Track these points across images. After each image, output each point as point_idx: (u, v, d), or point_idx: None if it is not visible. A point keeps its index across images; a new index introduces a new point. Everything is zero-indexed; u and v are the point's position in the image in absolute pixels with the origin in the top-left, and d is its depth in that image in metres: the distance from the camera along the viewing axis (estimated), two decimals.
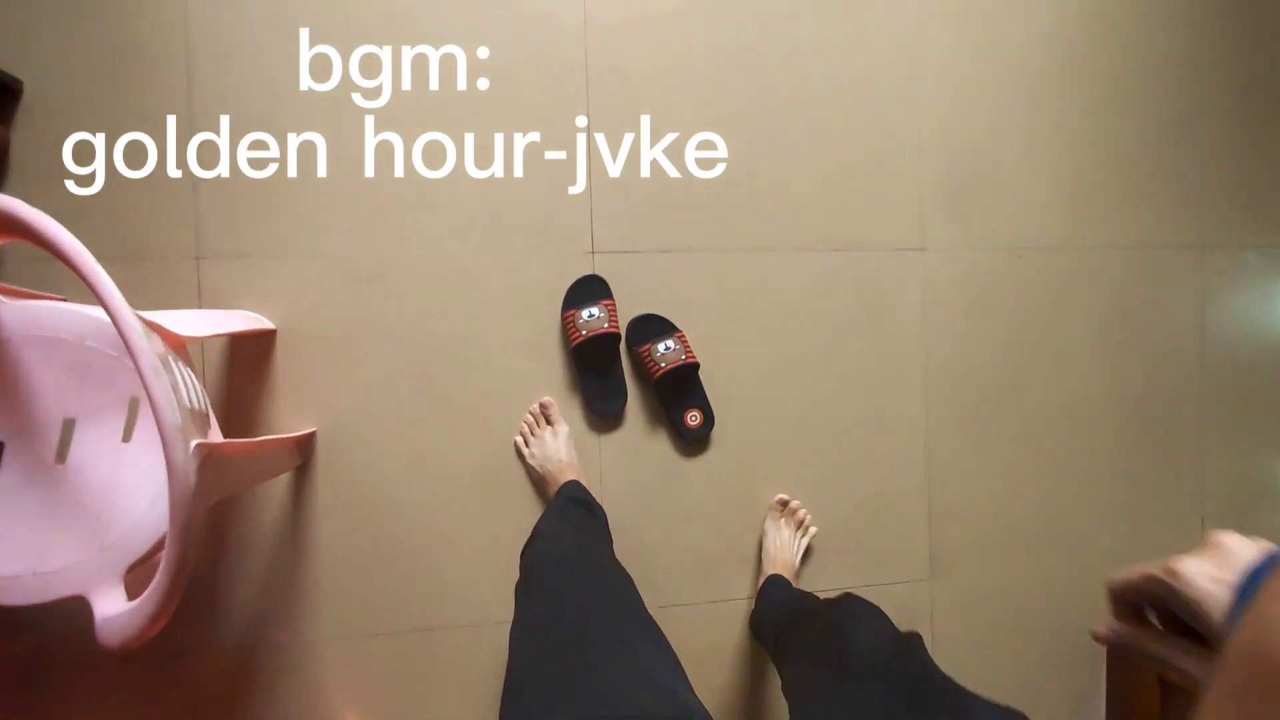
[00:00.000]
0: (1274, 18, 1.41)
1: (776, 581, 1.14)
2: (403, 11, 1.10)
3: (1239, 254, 1.40)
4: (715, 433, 1.20)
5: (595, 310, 1.10)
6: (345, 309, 1.09)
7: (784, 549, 1.19)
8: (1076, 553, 1.33)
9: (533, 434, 1.13)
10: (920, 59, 1.26)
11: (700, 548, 1.21)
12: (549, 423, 1.13)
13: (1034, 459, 1.32)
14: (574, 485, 1.07)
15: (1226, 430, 1.40)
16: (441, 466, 1.12)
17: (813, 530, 1.22)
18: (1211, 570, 0.30)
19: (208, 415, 0.76)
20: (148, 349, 0.51)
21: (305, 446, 1.07)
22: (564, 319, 1.13)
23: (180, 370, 0.68)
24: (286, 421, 1.08)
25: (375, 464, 1.11)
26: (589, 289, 1.14)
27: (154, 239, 1.04)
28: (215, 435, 0.81)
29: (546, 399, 1.14)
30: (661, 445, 1.19)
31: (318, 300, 1.08)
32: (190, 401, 0.68)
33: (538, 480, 1.13)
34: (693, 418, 1.18)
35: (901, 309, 1.27)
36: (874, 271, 1.25)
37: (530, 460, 1.12)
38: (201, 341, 0.91)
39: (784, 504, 1.21)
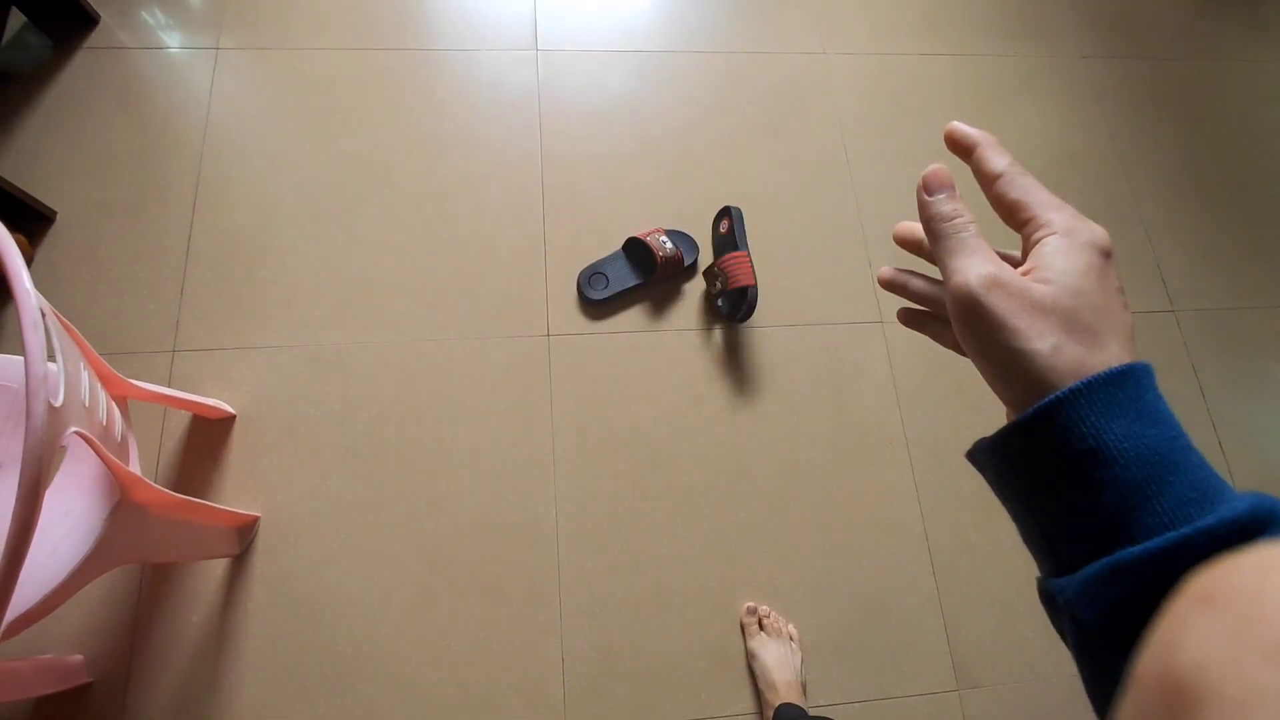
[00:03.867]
0: (1177, 116, 1.54)
1: (790, 714, 0.96)
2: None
3: (1213, 315, 1.37)
4: (687, 525, 1.12)
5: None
6: (305, 396, 1.12)
7: (782, 666, 1.03)
8: None
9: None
10: (843, 158, 1.39)
11: (678, 655, 1.05)
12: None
13: None
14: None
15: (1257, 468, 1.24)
16: (389, 562, 1.05)
17: (795, 632, 1.07)
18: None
19: (126, 447, 0.76)
20: (33, 302, 0.53)
21: (245, 533, 1.02)
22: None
23: (94, 386, 0.69)
24: (234, 505, 1.05)
25: (318, 558, 1.04)
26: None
27: (137, 335, 1.12)
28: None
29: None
30: (625, 530, 1.11)
31: (279, 388, 1.12)
32: (101, 416, 0.68)
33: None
34: (724, 226, 1.21)
35: (870, 382, 1.24)
36: (834, 345, 1.25)
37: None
38: (146, 400, 0.93)
39: (753, 611, 1.07)
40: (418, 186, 1.27)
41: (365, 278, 1.20)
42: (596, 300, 1.21)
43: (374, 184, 1.27)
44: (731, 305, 1.19)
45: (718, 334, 1.24)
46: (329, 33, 1.38)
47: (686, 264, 1.25)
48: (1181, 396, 1.30)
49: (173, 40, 1.34)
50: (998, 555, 1.16)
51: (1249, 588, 0.17)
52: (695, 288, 1.26)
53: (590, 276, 1.23)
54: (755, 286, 1.16)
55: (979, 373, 0.29)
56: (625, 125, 1.37)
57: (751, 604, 1.08)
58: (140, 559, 0.93)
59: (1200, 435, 1.27)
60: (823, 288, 1.29)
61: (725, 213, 1.25)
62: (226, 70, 1.32)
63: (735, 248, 1.19)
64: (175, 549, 0.90)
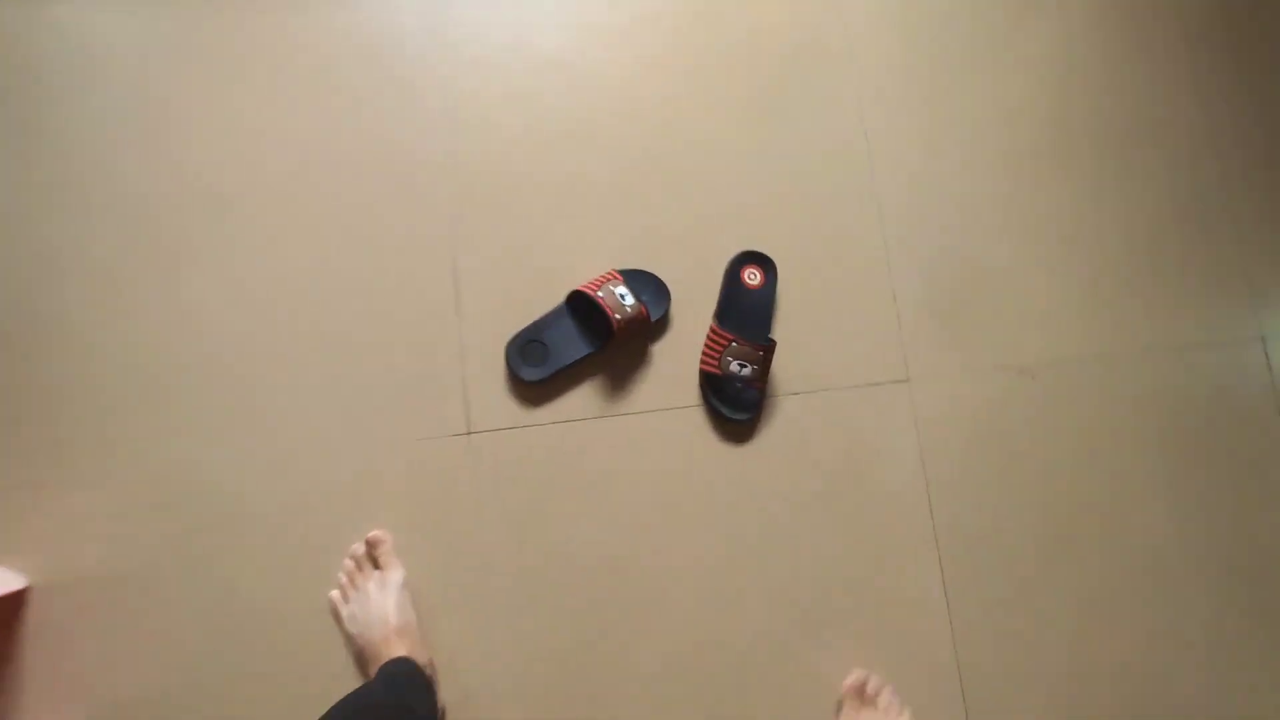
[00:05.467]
0: None
1: None
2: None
3: None
4: (663, 679, 0.87)
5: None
6: (128, 546, 0.81)
7: None
8: None
9: (353, 586, 0.81)
10: (863, 149, 1.04)
11: None
12: (376, 567, 0.82)
13: (1099, 643, 0.96)
14: (403, 663, 0.74)
15: None
16: None
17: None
18: None
19: None
20: None
21: None
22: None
23: None
24: (41, 712, 0.77)
25: None
26: None
27: None
28: None
29: (376, 534, 0.83)
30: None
31: (92, 539, 0.80)
32: None
33: (356, 654, 0.80)
34: (751, 275, 0.95)
35: (892, 457, 0.97)
36: (850, 414, 0.97)
37: (347, 624, 0.80)
38: None
39: (860, 690, 0.86)
40: (275, 219, 0.90)
41: (205, 365, 0.86)
42: (533, 380, 0.89)
43: (208, 218, 0.89)
44: (742, 404, 0.92)
45: (697, 412, 0.93)
46: None
47: (654, 319, 0.92)
48: (1272, 451, 1.05)
49: None
50: (1038, 675, 0.94)
51: None
52: (665, 351, 0.94)
53: (523, 346, 0.90)
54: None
55: None
56: (560, 108, 0.98)
57: (861, 675, 0.87)
58: None
59: None
60: (834, 338, 0.98)
61: (759, 261, 0.96)
62: None
63: (767, 330, 0.95)
64: None
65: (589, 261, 0.94)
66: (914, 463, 0.97)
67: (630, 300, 0.88)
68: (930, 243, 1.03)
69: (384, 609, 0.78)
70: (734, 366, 0.90)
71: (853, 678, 0.87)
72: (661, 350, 0.94)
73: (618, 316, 0.86)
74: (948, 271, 1.03)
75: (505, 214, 0.94)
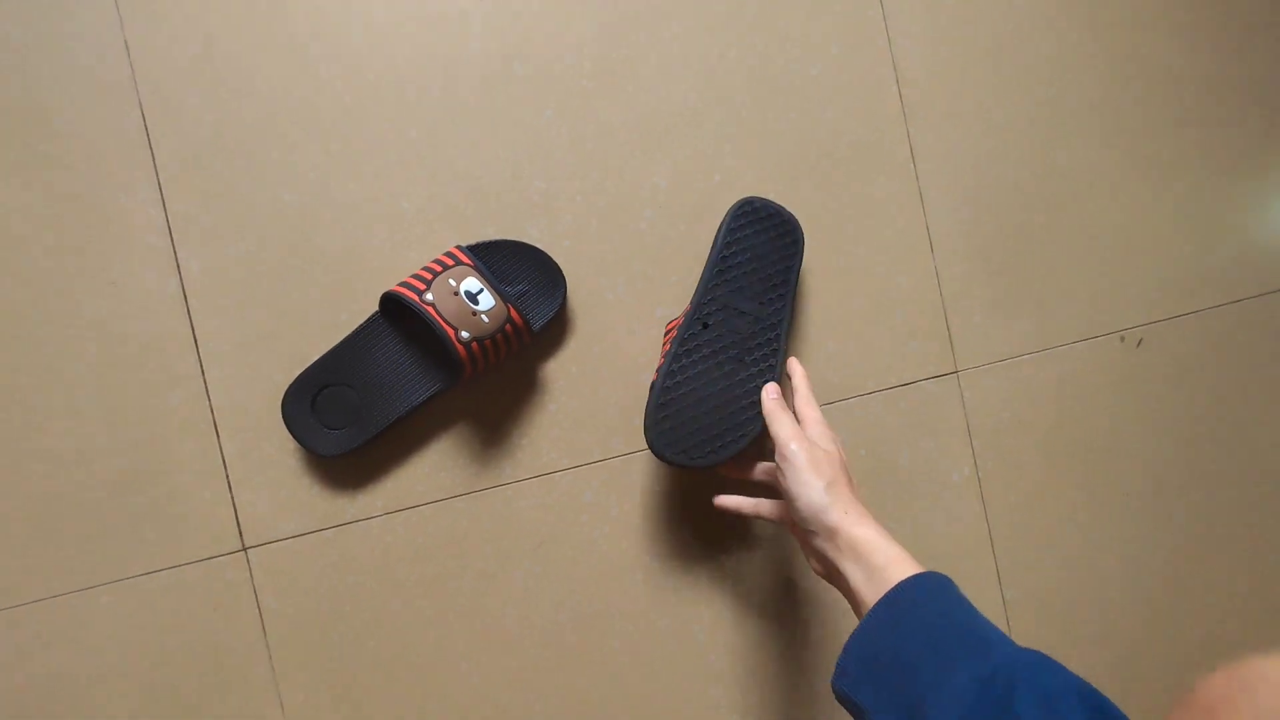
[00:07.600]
0: None
1: None
2: None
3: None
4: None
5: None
6: None
7: None
8: None
9: None
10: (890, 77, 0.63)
11: None
12: None
13: None
14: None
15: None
16: None
17: None
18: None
19: None
20: None
21: None
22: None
23: None
24: None
25: None
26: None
27: None
28: None
29: None
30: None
31: None
32: None
33: None
34: None
35: (942, 483, 0.63)
36: (875, 432, 0.61)
37: None
38: None
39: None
40: None
41: None
42: (334, 452, 0.52)
43: None
44: None
45: (639, 462, 0.58)
46: None
47: (538, 326, 0.55)
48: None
49: None
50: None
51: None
52: (570, 373, 0.58)
53: (316, 396, 0.53)
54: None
55: None
56: None
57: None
58: None
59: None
60: (856, 331, 0.61)
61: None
62: None
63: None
64: None
65: (418, 234, 0.55)
66: (969, 492, 0.63)
67: (487, 301, 0.50)
68: (968, 187, 0.64)
69: None
70: None
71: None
72: (553, 369, 0.57)
73: (464, 334, 0.49)
74: (991, 230, 0.64)
75: (247, 159, 0.54)
